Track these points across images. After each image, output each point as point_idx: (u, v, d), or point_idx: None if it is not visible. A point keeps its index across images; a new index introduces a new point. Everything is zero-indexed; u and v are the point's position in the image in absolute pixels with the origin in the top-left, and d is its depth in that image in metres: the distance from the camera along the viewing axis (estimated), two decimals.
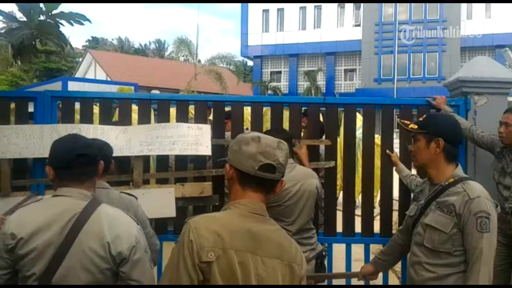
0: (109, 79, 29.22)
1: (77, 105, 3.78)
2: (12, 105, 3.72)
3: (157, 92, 18.11)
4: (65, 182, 2.03)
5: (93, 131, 3.51)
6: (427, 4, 30.10)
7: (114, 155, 3.44)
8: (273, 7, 34.50)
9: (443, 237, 2.35)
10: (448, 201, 2.35)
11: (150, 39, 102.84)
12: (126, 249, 1.94)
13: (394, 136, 3.90)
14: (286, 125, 3.85)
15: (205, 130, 3.68)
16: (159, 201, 3.56)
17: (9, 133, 3.46)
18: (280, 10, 34.52)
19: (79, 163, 2.02)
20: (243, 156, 1.67)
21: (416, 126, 2.56)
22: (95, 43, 59.14)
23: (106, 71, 33.17)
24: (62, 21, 4.31)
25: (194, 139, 3.62)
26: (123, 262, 1.94)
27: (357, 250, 4.03)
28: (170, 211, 3.59)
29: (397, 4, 30.57)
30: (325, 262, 3.99)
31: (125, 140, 3.57)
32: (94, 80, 20.48)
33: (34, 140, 3.46)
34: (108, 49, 54.65)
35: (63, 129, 3.45)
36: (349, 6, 32.79)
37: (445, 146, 2.42)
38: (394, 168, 3.77)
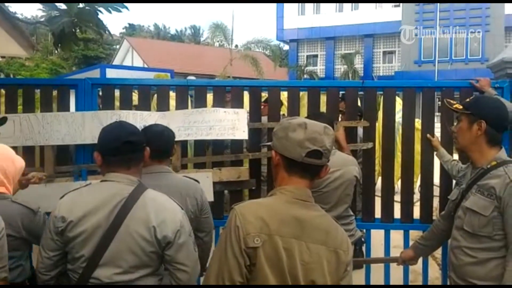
0: (145, 65, 29.64)
1: (117, 92, 3.85)
2: (54, 93, 3.82)
3: (193, 78, 18.23)
4: (112, 167, 2.09)
5: (133, 117, 3.57)
6: None
7: None
8: None
9: (483, 221, 2.30)
10: (488, 184, 2.30)
11: (186, 25, 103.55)
12: (171, 233, 1.99)
13: (435, 120, 3.80)
14: (323, 110, 3.81)
15: (242, 115, 3.70)
16: None
17: (52, 121, 3.56)
18: None
19: (126, 150, 2.08)
20: (290, 143, 1.66)
21: (460, 107, 2.51)
22: (132, 30, 59.94)
23: (143, 57, 33.60)
24: (101, 9, 4.39)
25: (231, 123, 3.65)
26: (168, 245, 2.00)
27: (396, 236, 3.98)
28: (208, 195, 3.63)
29: None
30: (363, 248, 3.97)
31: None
32: (131, 67, 20.78)
33: (76, 127, 3.55)
34: (144, 36, 55.34)
35: (103, 116, 3.52)
36: None
37: (487, 129, 2.36)
38: (435, 153, 3.68)
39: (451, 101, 2.65)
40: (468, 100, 2.57)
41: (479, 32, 28.53)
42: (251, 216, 1.57)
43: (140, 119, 3.59)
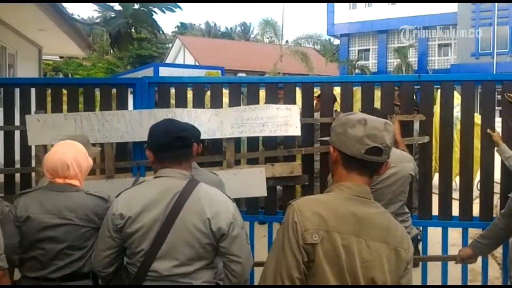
0: (197, 63, 30.08)
1: (172, 90, 3.95)
2: (113, 92, 3.96)
3: (243, 75, 18.35)
4: (165, 163, 2.15)
5: (187, 114, 3.65)
6: None
7: (207, 137, 3.58)
8: None
9: None
10: None
11: (236, 22, 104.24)
12: (225, 225, 2.04)
13: (496, 114, 3.66)
14: (377, 105, 3.75)
15: (294, 111, 3.70)
16: (250, 180, 3.66)
17: (111, 119, 3.70)
18: None
19: (176, 146, 2.13)
20: (349, 139, 1.63)
21: None
22: (183, 29, 61.04)
23: (194, 56, 34.13)
24: (155, 9, 4.50)
25: (284, 120, 3.66)
26: (223, 237, 2.04)
27: (454, 234, 3.87)
28: (261, 191, 3.67)
29: None
30: (419, 246, 3.88)
31: (217, 122, 3.69)
32: (183, 65, 21.20)
33: (134, 125, 3.67)
34: (196, 34, 56.25)
35: (159, 114, 3.62)
36: None
37: None
38: (495, 148, 3.54)
39: (511, 95, 2.56)
40: None
41: None
42: (309, 212, 1.57)
43: (194, 116, 3.66)
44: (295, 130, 3.67)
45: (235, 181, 3.59)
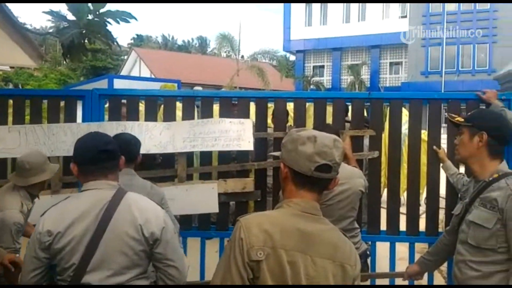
0: (153, 76, 29.80)
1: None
2: (62, 104, 3.85)
3: (200, 88, 18.32)
4: (90, 177, 2.12)
5: (138, 127, 3.59)
6: None
7: (158, 151, 3.53)
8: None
9: (486, 234, 2.29)
10: (491, 196, 2.30)
11: (193, 36, 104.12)
12: (157, 230, 2.04)
13: (442, 131, 3.79)
14: (329, 121, 3.81)
15: (247, 125, 3.69)
16: (202, 196, 3.63)
17: (58, 131, 3.59)
18: (324, 4, 34.12)
19: (101, 159, 2.12)
20: (299, 156, 1.64)
21: (462, 120, 2.54)
22: (139, 41, 60.42)
23: (150, 68, 33.85)
24: (109, 20, 4.42)
25: (236, 134, 3.65)
26: (156, 242, 2.04)
27: (402, 249, 3.95)
28: (213, 207, 3.64)
29: None
30: (368, 261, 3.94)
31: (168, 136, 3.64)
32: (138, 77, 20.93)
33: None
34: (152, 46, 55.73)
35: (109, 127, 3.54)
36: None
37: (489, 141, 2.37)
38: (441, 165, 3.66)
39: (453, 115, 2.67)
40: (469, 113, 2.59)
41: (486, 43, 28.54)
42: (256, 229, 1.56)
43: (145, 129, 3.61)
44: (248, 144, 3.65)
45: (187, 197, 3.56)
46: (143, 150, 3.48)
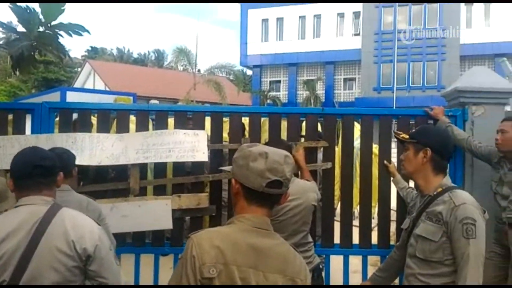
0: (107, 89, 29.31)
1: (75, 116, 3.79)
2: (10, 117, 3.72)
3: (156, 102, 18.14)
4: (25, 192, 2.09)
5: (89, 140, 3.52)
6: (427, 12, 30.22)
7: (110, 163, 3.46)
8: (272, 16, 34.63)
9: (433, 246, 2.35)
10: (436, 210, 2.37)
11: (149, 49, 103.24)
12: (91, 246, 2.01)
13: (392, 146, 3.90)
14: (284, 135, 3.86)
15: (202, 137, 3.68)
16: (156, 212, 3.56)
17: (5, 144, 3.47)
18: (280, 20, 34.65)
19: (37, 174, 2.09)
20: (251, 173, 1.65)
21: (407, 136, 2.62)
22: (94, 53, 59.30)
23: (104, 81, 33.29)
24: (61, 32, 4.33)
25: (191, 145, 3.62)
26: (90, 259, 2.01)
27: (355, 261, 4.01)
28: (167, 223, 3.59)
29: (397, 12, 30.70)
30: (323, 274, 3.97)
31: (121, 148, 3.58)
32: (92, 90, 20.52)
33: None
34: (107, 59, 54.75)
35: (58, 139, 3.46)
36: (348, 15, 32.92)
37: (433, 157, 2.45)
38: (391, 179, 3.76)
39: (398, 132, 2.76)
40: (414, 130, 2.67)
41: (435, 61, 29.74)
42: (208, 246, 1.56)
43: (96, 141, 3.54)
44: (202, 156, 3.63)
45: (140, 213, 3.49)
46: (95, 163, 3.40)
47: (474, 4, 29.75)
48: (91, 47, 61.99)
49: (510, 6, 28.55)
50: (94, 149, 3.47)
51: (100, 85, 33.18)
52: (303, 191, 3.08)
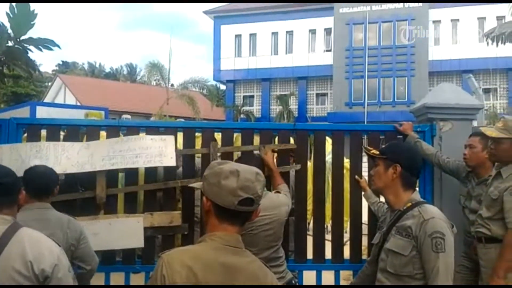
0: (78, 103, 28.93)
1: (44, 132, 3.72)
2: None
3: (128, 117, 17.97)
4: None
5: (54, 148, 3.45)
6: (396, 30, 30.96)
7: (76, 171, 3.38)
8: (245, 32, 34.93)
9: (403, 261, 2.37)
10: (405, 224, 2.39)
11: (122, 63, 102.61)
12: (49, 267, 1.96)
13: (364, 160, 3.96)
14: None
15: (169, 141, 3.63)
16: (127, 231, 3.49)
17: None
18: (252, 35, 34.97)
19: None
20: (222, 191, 1.65)
21: (377, 152, 2.65)
22: (65, 67, 58.44)
23: (75, 95, 32.85)
24: (31, 47, 4.27)
25: (158, 150, 3.57)
26: (47, 280, 1.96)
27: (328, 276, 4.02)
28: (138, 242, 3.52)
29: (367, 29, 31.35)
30: None
31: (87, 155, 3.50)
32: (63, 105, 20.25)
33: None
34: (78, 73, 54.03)
35: (22, 149, 3.39)
36: (320, 32, 33.45)
37: (402, 173, 2.48)
38: (362, 193, 3.80)
39: (368, 148, 2.80)
40: (384, 145, 2.72)
41: (404, 76, 30.42)
42: (178, 265, 1.55)
43: (61, 150, 3.47)
44: (170, 160, 3.58)
45: (111, 231, 3.41)
46: (60, 171, 3.31)
47: (442, 22, 30.65)
48: (62, 61, 61.19)
49: (475, 24, 29.57)
50: (59, 157, 3.40)
51: (71, 100, 32.70)
52: (276, 205, 3.09)
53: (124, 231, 3.48)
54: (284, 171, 3.79)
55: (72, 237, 2.80)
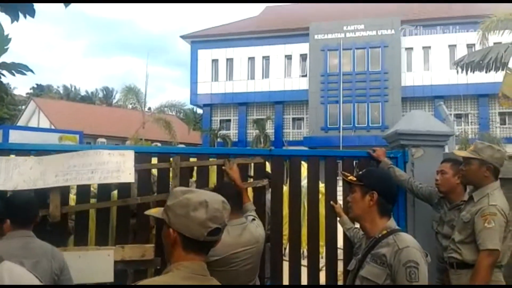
0: (53, 127, 28.53)
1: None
2: None
3: (103, 141, 17.80)
4: None
5: (5, 163, 3.30)
6: (369, 56, 31.63)
7: (28, 188, 3.24)
8: (222, 57, 35.19)
9: None
10: (380, 252, 2.41)
11: (98, 86, 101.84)
12: None
13: (339, 184, 3.99)
14: None
15: (128, 156, 3.46)
16: (97, 264, 3.31)
17: None
18: (229, 60, 35.23)
19: None
20: (192, 223, 1.65)
21: (354, 178, 2.66)
22: (40, 91, 57.74)
23: (50, 119, 32.46)
24: (4, 71, 4.22)
25: (116, 166, 3.38)
26: None
27: None
28: (108, 276, 3.32)
29: (341, 56, 31.94)
30: None
31: (39, 171, 3.32)
32: (36, 128, 19.93)
33: None
34: (53, 96, 53.42)
35: None
36: (296, 57, 33.92)
37: (379, 200, 2.50)
38: (337, 219, 3.82)
39: (346, 174, 2.82)
40: (361, 172, 2.76)
41: (378, 102, 30.98)
42: None
43: (13, 165, 3.31)
44: (128, 176, 3.37)
45: (80, 264, 3.20)
46: (11, 187, 3.20)
47: (414, 49, 31.47)
48: (37, 84, 60.42)
49: (446, 51, 30.45)
50: (10, 172, 3.25)
51: (45, 123, 32.26)
52: (256, 239, 3.08)
53: (94, 264, 3.30)
54: (260, 196, 3.80)
55: (56, 266, 2.75)
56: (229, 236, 2.85)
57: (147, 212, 1.92)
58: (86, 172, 3.31)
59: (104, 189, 3.64)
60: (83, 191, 3.61)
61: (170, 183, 3.69)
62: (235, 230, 2.97)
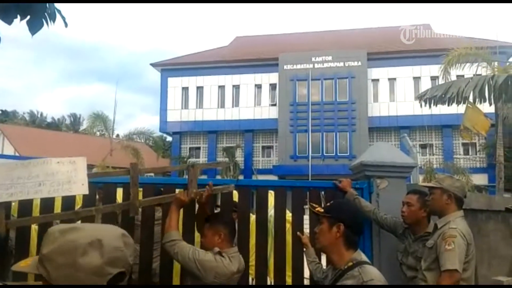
0: (17, 154, 27.81)
1: None
2: None
3: None
4: None
5: None
6: (337, 87, 32.25)
7: None
8: (192, 85, 35.26)
9: None
10: (345, 284, 2.42)
11: (65, 113, 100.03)
12: None
13: (306, 213, 4.00)
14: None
15: (80, 164, 3.14)
16: None
17: None
18: (200, 88, 35.31)
19: None
20: (81, 273, 1.25)
21: (322, 210, 2.69)
22: (4, 116, 56.44)
23: (14, 145, 31.65)
24: None
25: (66, 176, 3.05)
26: None
27: None
28: None
29: (310, 86, 32.46)
30: None
31: None
32: (0, 155, 19.37)
33: None
34: (18, 122, 52.27)
35: None
36: (265, 86, 34.28)
37: (345, 232, 2.53)
38: (304, 250, 3.82)
39: (314, 205, 2.85)
40: (328, 204, 2.78)
41: (346, 131, 31.49)
42: None
43: None
44: (81, 188, 3.06)
45: None
46: None
47: (380, 80, 32.29)
48: (2, 110, 59.07)
49: (411, 83, 31.36)
50: None
51: (9, 150, 31.44)
52: (228, 276, 3.02)
53: None
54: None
55: None
56: (233, 265, 3.00)
57: (14, 268, 1.40)
58: (32, 185, 2.98)
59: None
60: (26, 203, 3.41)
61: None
62: (235, 259, 3.09)
